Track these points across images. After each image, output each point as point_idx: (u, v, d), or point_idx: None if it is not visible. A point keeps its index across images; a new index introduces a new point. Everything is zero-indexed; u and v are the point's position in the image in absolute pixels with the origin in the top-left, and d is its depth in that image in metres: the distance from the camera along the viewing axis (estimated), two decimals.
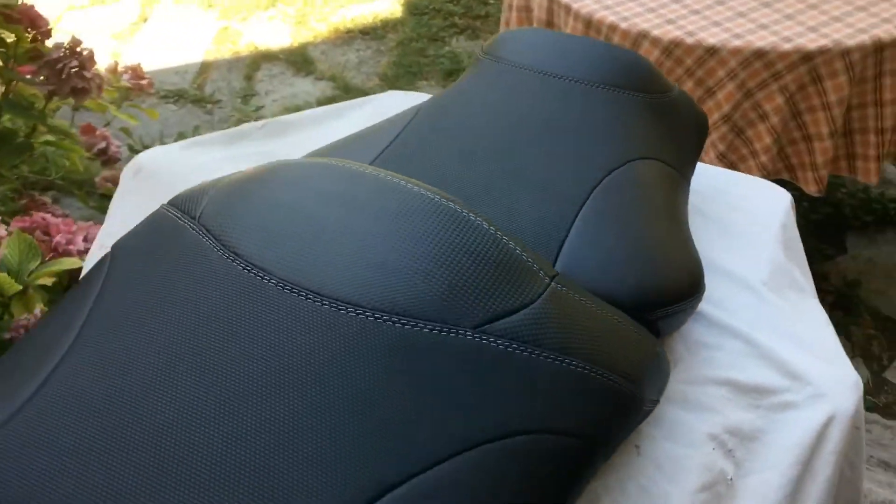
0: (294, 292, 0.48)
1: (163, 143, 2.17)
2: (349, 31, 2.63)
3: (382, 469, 0.42)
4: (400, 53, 2.50)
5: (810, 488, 0.68)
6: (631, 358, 0.53)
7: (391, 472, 0.42)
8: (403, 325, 0.46)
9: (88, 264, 0.90)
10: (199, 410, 0.44)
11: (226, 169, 0.93)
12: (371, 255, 0.49)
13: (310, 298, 0.47)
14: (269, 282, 0.48)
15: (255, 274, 0.49)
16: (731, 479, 0.66)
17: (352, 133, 0.86)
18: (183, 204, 0.56)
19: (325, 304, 0.47)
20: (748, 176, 0.90)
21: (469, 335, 0.47)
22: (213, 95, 2.41)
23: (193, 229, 0.53)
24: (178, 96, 2.41)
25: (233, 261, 0.50)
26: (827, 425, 0.68)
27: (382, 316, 0.46)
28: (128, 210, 0.91)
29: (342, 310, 0.47)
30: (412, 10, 2.68)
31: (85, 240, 1.22)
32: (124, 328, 0.48)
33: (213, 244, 0.51)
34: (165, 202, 0.59)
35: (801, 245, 0.85)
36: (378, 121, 0.93)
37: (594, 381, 0.49)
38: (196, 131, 2.22)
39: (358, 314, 0.46)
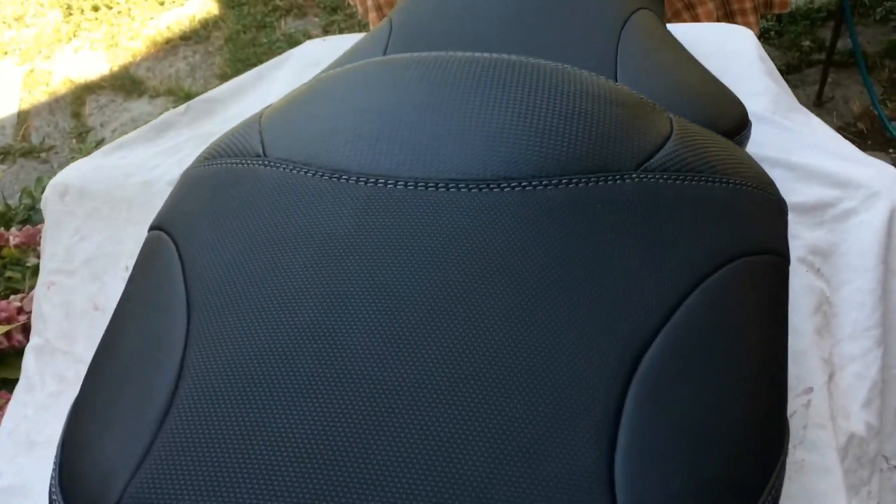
0: (433, 187, 0.40)
1: (7, 205, 1.95)
2: (169, 41, 2.45)
3: (628, 338, 0.37)
4: (232, 50, 2.37)
5: (893, 285, 0.67)
6: (761, 172, 0.49)
7: (638, 338, 0.37)
8: (567, 184, 0.40)
9: (39, 308, 0.77)
10: (401, 333, 0.36)
11: (164, 163, 0.83)
12: (495, 125, 0.42)
13: (452, 188, 0.40)
14: (397, 185, 0.41)
15: (374, 184, 0.41)
16: (829, 297, 0.65)
17: (288, 89, 0.77)
18: (231, 150, 0.47)
19: (473, 189, 0.40)
20: (706, 24, 0.89)
21: (635, 177, 0.41)
22: (44, 143, 2.19)
23: (268, 166, 0.44)
24: (3, 154, 2.17)
25: (339, 178, 0.42)
26: (891, 220, 0.68)
27: (542, 182, 0.40)
28: (69, 236, 0.79)
29: (495, 188, 0.40)
30: (228, 3, 2.54)
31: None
32: (251, 291, 0.39)
33: (303, 171, 0.43)
34: (197, 161, 0.49)
35: (778, 72, 0.84)
36: (307, 72, 0.85)
37: (760, 196, 0.45)
38: (40, 183, 2.01)
39: (514, 188, 0.40)
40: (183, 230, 0.45)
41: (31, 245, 1.39)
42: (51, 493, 0.37)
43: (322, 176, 0.42)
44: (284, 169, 0.43)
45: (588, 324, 0.37)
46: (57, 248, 0.79)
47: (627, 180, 0.41)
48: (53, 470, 0.38)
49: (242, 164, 0.45)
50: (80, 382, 0.75)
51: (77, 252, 0.78)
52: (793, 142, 0.73)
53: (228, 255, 0.41)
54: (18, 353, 1.08)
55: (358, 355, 0.36)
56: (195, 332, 0.39)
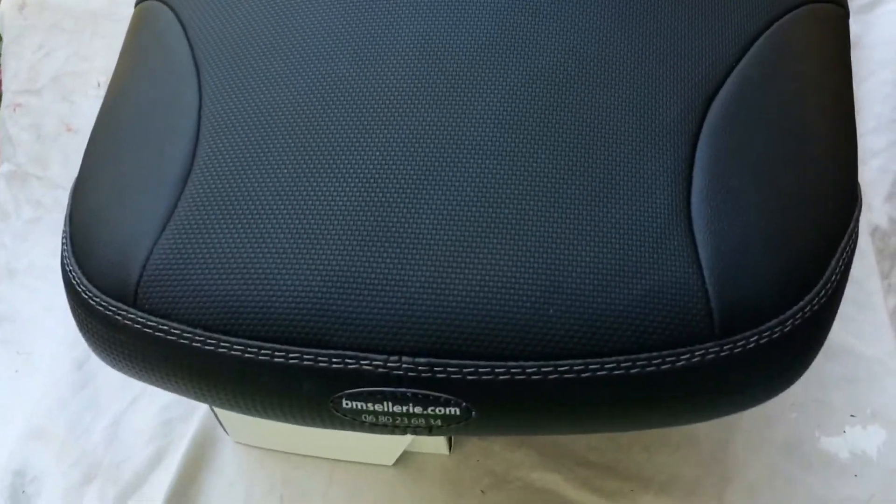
0: None
1: None
2: None
3: (697, 79, 0.35)
4: None
5: None
6: None
7: (708, 79, 0.35)
8: None
9: (6, 132, 0.72)
10: (447, 82, 0.33)
11: None
12: None
13: None
14: None
15: None
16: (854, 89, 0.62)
17: None
18: None
19: None
20: None
21: None
22: None
23: None
24: None
25: None
26: None
27: None
28: (31, 52, 0.73)
29: None
30: None
31: None
32: (268, 45, 0.36)
33: None
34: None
35: None
36: None
37: None
38: None
39: None
40: None
41: None
42: (64, 266, 0.34)
43: None
44: None
45: (655, 64, 0.34)
46: (20, 64, 0.72)
47: None
48: (64, 243, 0.35)
49: None
50: (58, 208, 0.71)
51: (42, 69, 0.72)
52: None
53: (236, 11, 0.37)
54: None
55: (399, 101, 0.32)
56: (208, 92, 0.35)
